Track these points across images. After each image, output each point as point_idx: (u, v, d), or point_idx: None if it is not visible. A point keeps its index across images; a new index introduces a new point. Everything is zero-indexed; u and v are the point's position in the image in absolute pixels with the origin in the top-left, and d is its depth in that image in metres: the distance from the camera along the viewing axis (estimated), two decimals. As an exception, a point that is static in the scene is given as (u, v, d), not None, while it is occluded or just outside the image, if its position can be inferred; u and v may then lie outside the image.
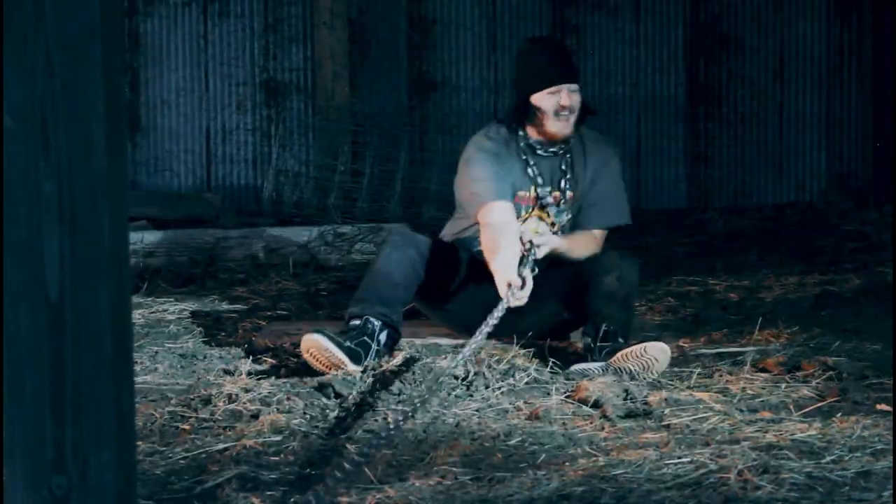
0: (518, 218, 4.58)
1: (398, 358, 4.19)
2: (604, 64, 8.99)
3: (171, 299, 5.84)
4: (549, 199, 4.65)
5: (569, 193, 4.68)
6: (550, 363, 4.21)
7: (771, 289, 5.96)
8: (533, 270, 4.27)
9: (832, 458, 3.16)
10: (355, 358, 4.17)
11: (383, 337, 4.31)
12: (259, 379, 4.11)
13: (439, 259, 4.52)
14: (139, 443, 3.41)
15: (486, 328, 3.95)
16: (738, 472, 2.99)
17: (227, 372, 4.27)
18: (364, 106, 8.46)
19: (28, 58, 1.81)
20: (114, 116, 1.84)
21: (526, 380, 4.05)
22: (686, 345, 4.71)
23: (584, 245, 4.62)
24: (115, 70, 1.85)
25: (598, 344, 4.22)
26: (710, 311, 5.41)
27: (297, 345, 4.31)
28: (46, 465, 1.83)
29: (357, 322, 4.31)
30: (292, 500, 2.93)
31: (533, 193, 4.65)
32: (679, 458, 3.16)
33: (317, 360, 4.15)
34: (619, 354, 4.12)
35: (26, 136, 1.82)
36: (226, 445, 3.39)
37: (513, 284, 4.18)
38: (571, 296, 4.49)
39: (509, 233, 4.38)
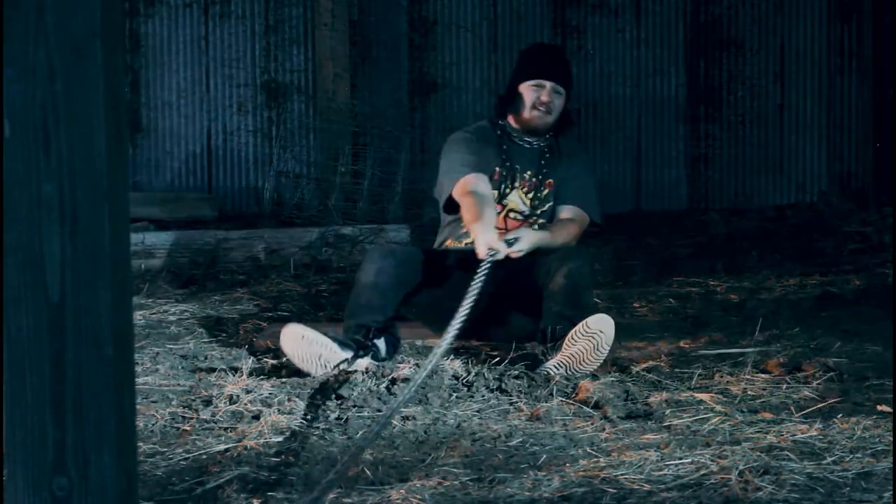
0: (498, 190, 4.77)
1: (405, 361, 4.19)
2: (604, 65, 8.99)
3: (172, 300, 5.85)
4: (524, 178, 4.81)
5: (548, 180, 4.83)
6: (519, 370, 4.20)
7: (771, 290, 5.96)
8: (511, 244, 4.44)
9: (833, 458, 3.16)
10: (346, 347, 4.25)
11: (380, 343, 4.35)
12: (260, 380, 4.11)
13: (427, 267, 4.58)
14: (140, 444, 3.41)
15: (472, 293, 4.07)
16: (739, 473, 2.99)
17: (228, 373, 4.27)
18: (365, 107, 8.46)
19: (28, 58, 1.81)
20: (114, 117, 1.84)
21: (526, 381, 4.05)
22: (687, 346, 4.71)
23: (563, 233, 4.71)
24: (116, 71, 1.85)
25: (548, 345, 4.23)
26: (711, 312, 5.41)
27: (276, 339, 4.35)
28: (47, 467, 1.83)
29: (350, 329, 4.39)
30: (294, 501, 2.93)
31: (507, 172, 4.81)
32: (680, 458, 3.16)
33: (302, 355, 4.20)
34: (565, 341, 4.12)
35: (27, 137, 1.82)
36: (227, 446, 3.39)
37: (493, 247, 4.34)
38: (532, 299, 4.51)
39: (488, 203, 4.60)
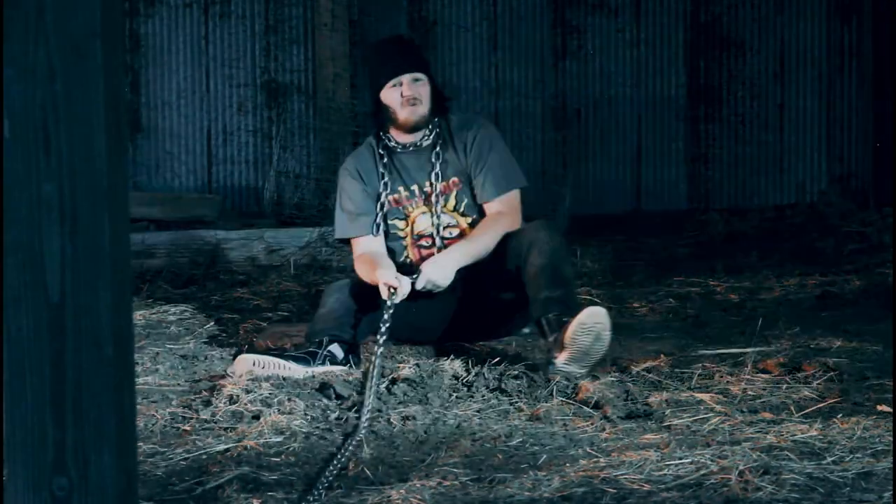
0: (403, 219, 4.66)
1: (405, 361, 4.20)
2: (604, 65, 8.99)
3: (172, 300, 5.84)
4: (416, 194, 4.66)
5: (447, 181, 4.64)
6: (543, 372, 4.19)
7: (771, 290, 5.95)
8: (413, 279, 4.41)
9: (833, 458, 3.16)
10: (299, 361, 4.25)
11: (334, 348, 4.33)
12: (260, 380, 4.11)
13: (370, 291, 4.49)
14: (140, 444, 3.41)
15: (380, 336, 4.16)
16: (739, 473, 2.99)
17: (227, 373, 4.27)
18: (365, 107, 8.45)
19: (28, 58, 1.81)
20: (114, 117, 1.84)
21: (526, 381, 4.04)
22: (687, 346, 4.71)
23: (489, 233, 4.55)
24: (116, 71, 1.85)
25: (549, 340, 4.20)
26: (711, 312, 5.41)
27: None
28: (47, 467, 1.83)
29: (305, 346, 4.41)
30: (294, 500, 2.93)
31: (395, 195, 4.67)
32: (680, 458, 3.16)
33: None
34: (566, 340, 4.08)
35: (27, 137, 1.82)
36: (227, 446, 3.39)
37: (391, 286, 4.32)
38: (506, 285, 4.50)
39: (381, 257, 4.56)
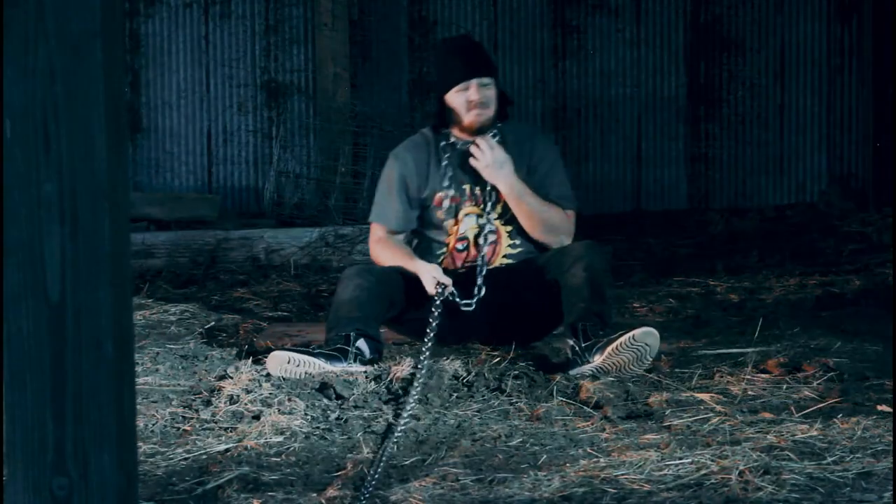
0: (453, 218, 4.65)
1: (401, 362, 4.19)
2: (604, 65, 8.99)
3: (172, 300, 5.85)
4: (472, 194, 4.66)
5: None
6: (543, 372, 4.20)
7: (771, 290, 5.95)
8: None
9: (833, 458, 3.16)
10: (332, 360, 4.21)
11: (362, 344, 4.29)
12: (260, 380, 4.11)
13: (407, 286, 4.50)
14: (140, 444, 3.41)
15: (431, 331, 4.16)
16: (739, 473, 2.99)
17: (228, 373, 4.27)
18: (365, 107, 8.46)
19: (28, 58, 1.81)
20: (114, 117, 1.84)
21: (526, 381, 4.04)
22: (687, 346, 4.71)
23: (555, 210, 4.59)
24: (116, 71, 1.85)
25: (583, 345, 4.20)
26: (711, 312, 5.41)
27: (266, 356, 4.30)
28: (47, 467, 1.83)
29: (331, 339, 4.35)
30: (294, 500, 2.93)
31: (453, 192, 4.67)
32: (680, 458, 3.16)
33: (293, 378, 4.14)
34: (609, 349, 4.10)
35: (27, 137, 1.82)
36: (227, 446, 3.39)
37: (441, 282, 4.35)
38: (544, 295, 4.48)
39: (409, 250, 4.61)
